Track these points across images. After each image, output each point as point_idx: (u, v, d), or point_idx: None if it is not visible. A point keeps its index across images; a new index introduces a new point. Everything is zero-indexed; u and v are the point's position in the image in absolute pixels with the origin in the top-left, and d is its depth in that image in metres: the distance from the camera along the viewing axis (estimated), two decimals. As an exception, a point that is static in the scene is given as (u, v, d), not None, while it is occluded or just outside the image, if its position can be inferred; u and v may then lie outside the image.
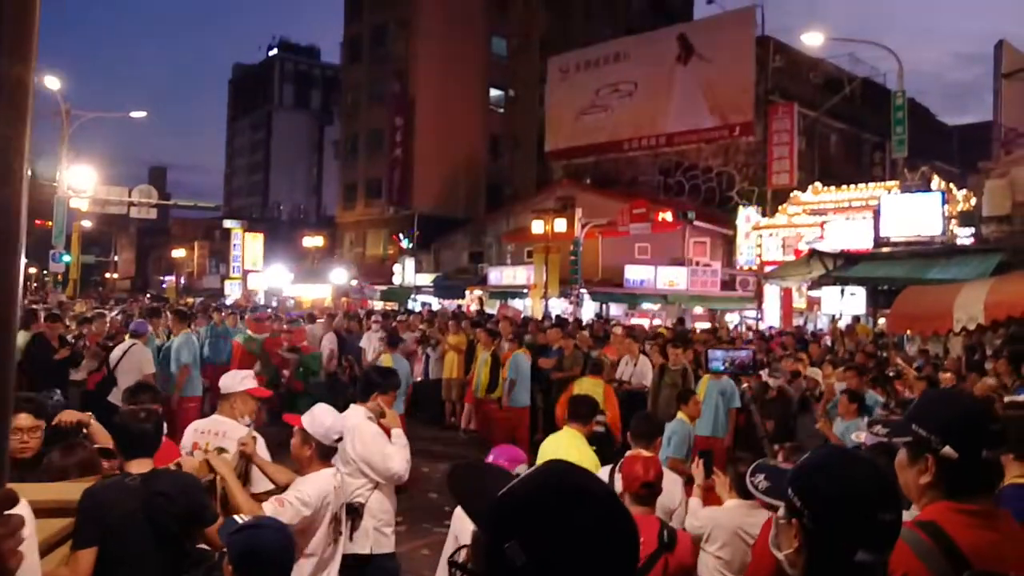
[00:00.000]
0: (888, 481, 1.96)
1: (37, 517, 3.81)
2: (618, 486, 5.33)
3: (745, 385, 6.23)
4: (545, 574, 1.28)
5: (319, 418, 4.63)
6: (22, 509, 3.55)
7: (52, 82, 27.59)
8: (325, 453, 4.63)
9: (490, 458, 4.25)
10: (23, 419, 4.37)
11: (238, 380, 5.67)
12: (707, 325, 25.66)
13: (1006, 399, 8.44)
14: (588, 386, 10.60)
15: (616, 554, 1.32)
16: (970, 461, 2.27)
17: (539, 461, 5.83)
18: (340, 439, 4.71)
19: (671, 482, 5.59)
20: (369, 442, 5.35)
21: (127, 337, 11.33)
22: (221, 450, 4.95)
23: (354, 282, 44.35)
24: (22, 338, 11.42)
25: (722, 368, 5.84)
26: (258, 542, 3.19)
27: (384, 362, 11.81)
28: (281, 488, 4.77)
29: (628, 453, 5.67)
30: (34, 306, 20.05)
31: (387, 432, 5.54)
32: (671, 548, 4.26)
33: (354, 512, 5.24)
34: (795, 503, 1.96)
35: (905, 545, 2.11)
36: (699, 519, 5.13)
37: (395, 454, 5.36)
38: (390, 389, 5.78)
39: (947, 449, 2.27)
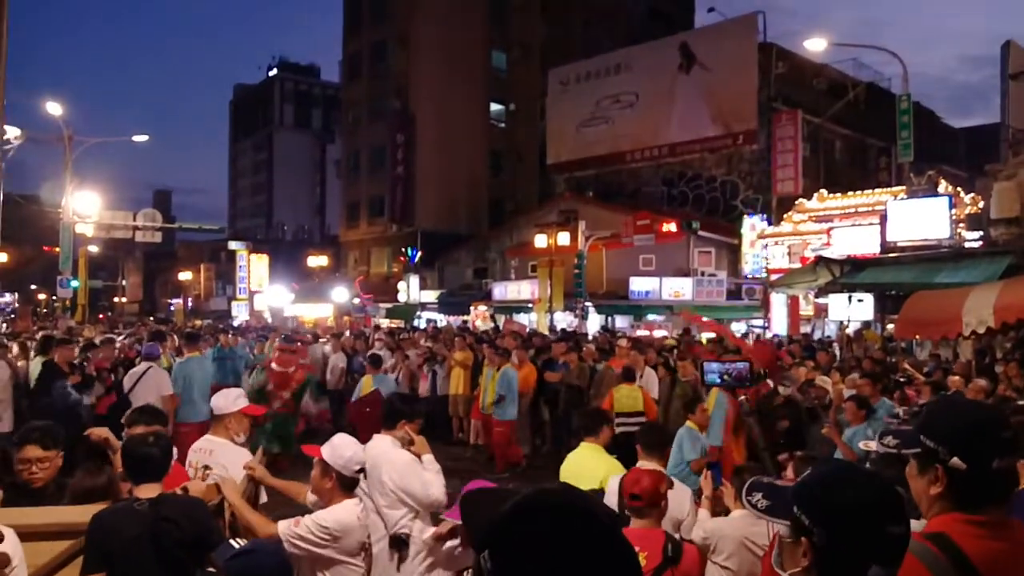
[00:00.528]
0: (895, 494, 1.90)
1: (41, 540, 3.82)
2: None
3: (742, 397, 6.19)
4: None
5: (339, 448, 4.53)
6: (9, 542, 3.53)
7: (54, 108, 27.66)
8: (346, 484, 4.52)
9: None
10: (30, 450, 4.41)
11: (231, 400, 5.65)
12: (712, 335, 25.54)
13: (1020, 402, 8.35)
14: (626, 392, 11.28)
15: (583, 570, 1.32)
16: (980, 471, 2.21)
17: (561, 478, 5.87)
18: (361, 469, 4.59)
19: (680, 492, 5.58)
20: (406, 471, 5.17)
21: (138, 361, 11.30)
22: (206, 468, 4.91)
23: (356, 300, 44.27)
24: (37, 364, 11.39)
25: (719, 380, 5.79)
26: (254, 567, 3.12)
27: (365, 384, 11.72)
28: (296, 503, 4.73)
29: (639, 464, 5.64)
30: (43, 331, 20.10)
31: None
32: (676, 562, 4.19)
33: (401, 544, 5.06)
34: (803, 521, 1.89)
35: (915, 558, 2.07)
36: (705, 530, 5.15)
37: (434, 481, 5.21)
38: (416, 416, 5.60)
39: (955, 460, 2.22)
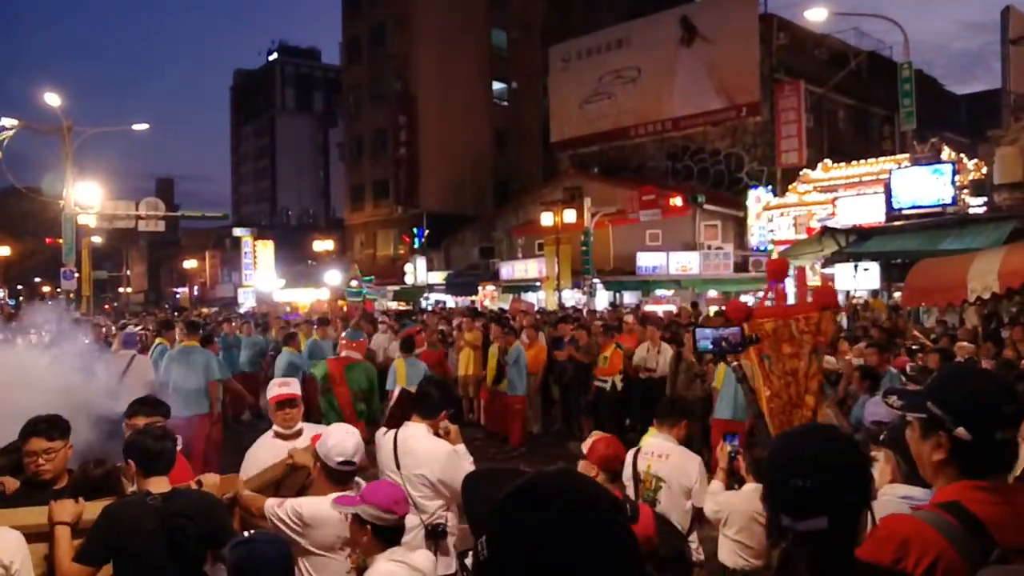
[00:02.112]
0: (812, 450, 2.07)
1: (45, 542, 3.81)
2: (642, 465, 5.58)
3: (735, 363, 6.20)
4: (499, 568, 1.36)
5: (325, 436, 4.44)
6: (12, 543, 3.54)
7: (52, 99, 27.54)
8: (331, 475, 4.36)
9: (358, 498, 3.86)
10: (35, 443, 4.33)
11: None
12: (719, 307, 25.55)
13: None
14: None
15: (580, 558, 1.31)
16: (984, 442, 2.25)
17: None
18: (346, 462, 4.35)
19: (688, 460, 5.66)
20: (449, 464, 5.02)
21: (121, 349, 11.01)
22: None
23: (354, 283, 43.95)
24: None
25: (710, 347, 5.80)
26: (253, 555, 3.14)
27: (398, 368, 11.52)
28: None
29: (651, 435, 5.81)
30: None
31: None
32: (635, 520, 4.29)
33: (439, 535, 5.00)
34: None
35: (930, 527, 2.15)
36: (717, 503, 5.21)
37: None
38: (453, 405, 5.50)
39: (960, 430, 2.25)
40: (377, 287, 44.02)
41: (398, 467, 5.05)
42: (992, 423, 2.25)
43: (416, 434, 5.15)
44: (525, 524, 1.33)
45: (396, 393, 6.41)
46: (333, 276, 44.27)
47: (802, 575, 1.98)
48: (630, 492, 5.57)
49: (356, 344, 11.63)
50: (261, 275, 52.33)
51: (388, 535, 3.66)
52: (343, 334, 13.75)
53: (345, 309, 28.77)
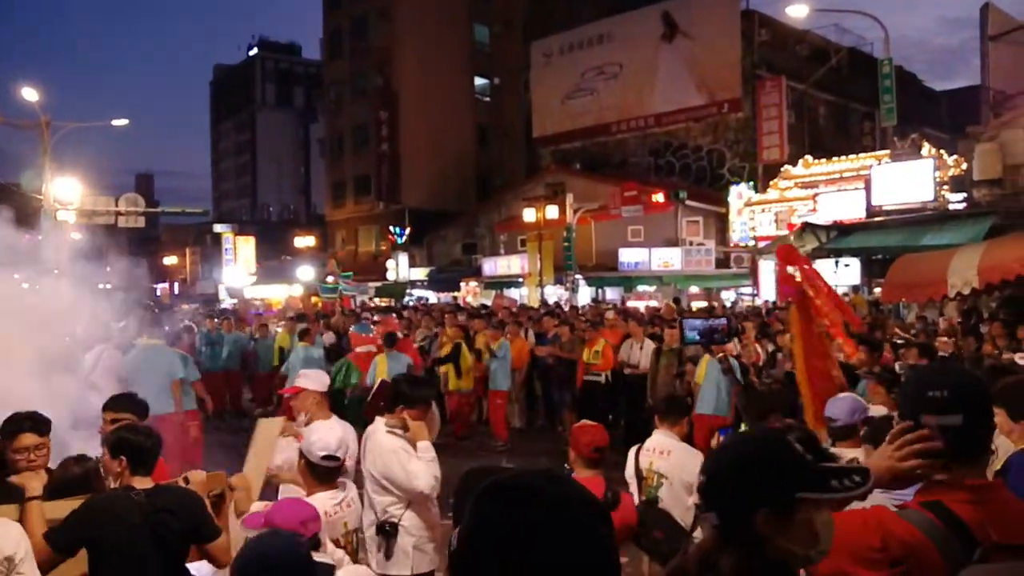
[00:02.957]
0: (715, 450, 2.30)
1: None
2: (644, 461, 5.63)
3: (720, 355, 6.27)
4: (465, 561, 1.35)
5: (309, 432, 4.44)
6: (12, 531, 3.54)
7: (30, 94, 27.31)
8: (316, 472, 4.30)
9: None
10: (27, 438, 4.32)
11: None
12: (703, 304, 25.64)
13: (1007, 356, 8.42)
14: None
15: (538, 555, 1.28)
16: (913, 425, 2.37)
17: None
18: (329, 457, 4.27)
19: (689, 456, 5.67)
20: (390, 458, 4.93)
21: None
22: None
23: (330, 278, 43.60)
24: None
25: (698, 338, 5.85)
26: (263, 547, 3.13)
27: (379, 364, 11.41)
28: None
29: (655, 433, 5.84)
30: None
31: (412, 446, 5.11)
32: (615, 507, 4.40)
33: (386, 533, 4.91)
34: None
35: (914, 528, 2.19)
36: None
37: (421, 471, 4.87)
38: (419, 402, 5.18)
39: (895, 415, 2.51)
40: (358, 283, 43.79)
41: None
42: (915, 407, 2.37)
43: (377, 428, 5.13)
44: (496, 520, 1.32)
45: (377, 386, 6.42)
46: (306, 272, 43.97)
47: (690, 561, 1.96)
48: (633, 488, 5.62)
49: (367, 337, 11.69)
50: (235, 270, 51.95)
51: None
52: (351, 328, 13.83)
53: (320, 305, 28.54)
